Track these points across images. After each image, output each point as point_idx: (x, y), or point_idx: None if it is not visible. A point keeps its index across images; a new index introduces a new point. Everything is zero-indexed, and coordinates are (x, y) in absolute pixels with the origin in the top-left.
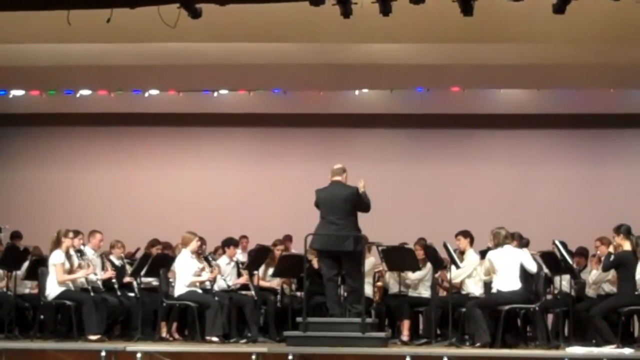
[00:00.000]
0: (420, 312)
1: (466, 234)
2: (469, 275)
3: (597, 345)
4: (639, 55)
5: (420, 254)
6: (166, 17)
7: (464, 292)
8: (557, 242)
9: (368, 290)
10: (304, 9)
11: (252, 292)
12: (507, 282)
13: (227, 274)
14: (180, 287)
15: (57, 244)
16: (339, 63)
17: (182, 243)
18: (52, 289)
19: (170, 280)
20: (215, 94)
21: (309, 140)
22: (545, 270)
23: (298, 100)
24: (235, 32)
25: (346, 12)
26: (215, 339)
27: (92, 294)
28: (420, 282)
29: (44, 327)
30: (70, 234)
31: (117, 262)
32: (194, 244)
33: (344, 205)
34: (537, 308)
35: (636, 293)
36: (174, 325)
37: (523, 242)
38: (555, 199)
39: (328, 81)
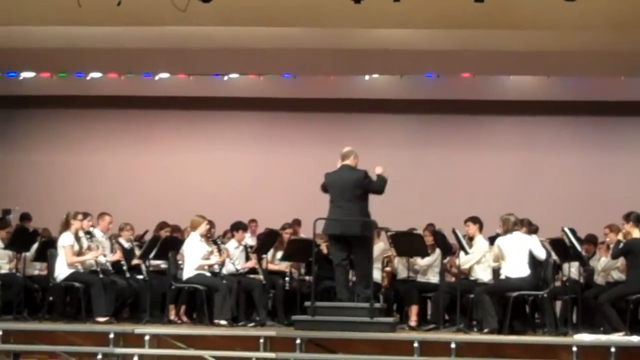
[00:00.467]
0: (428, 297)
1: (475, 220)
2: (478, 262)
3: (605, 332)
4: None
5: (429, 239)
6: (176, 1)
7: (472, 278)
8: (566, 229)
9: (377, 275)
10: None
11: (261, 276)
12: (516, 268)
13: (235, 258)
14: (188, 270)
15: (66, 226)
16: (349, 48)
17: (191, 226)
18: (61, 271)
19: (179, 263)
20: (225, 77)
21: (318, 125)
22: (554, 257)
23: (308, 85)
24: (245, 16)
25: None
26: (223, 322)
27: (100, 276)
28: (429, 268)
29: (53, 308)
30: (80, 216)
31: (126, 245)
32: (203, 227)
33: (352, 190)
34: (545, 295)
35: None
36: (183, 308)
37: (532, 229)
38: (564, 186)
39: (338, 66)
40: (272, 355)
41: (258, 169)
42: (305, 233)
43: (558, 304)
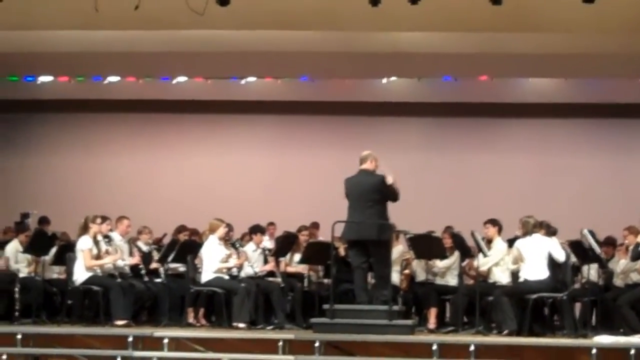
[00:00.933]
0: (447, 300)
1: (495, 222)
2: (497, 264)
3: (625, 334)
4: None
5: (448, 242)
6: (194, 5)
7: (491, 281)
8: (585, 231)
9: (395, 278)
10: None
11: (279, 279)
12: (535, 271)
13: (254, 261)
14: (207, 274)
15: (84, 229)
16: (367, 51)
17: (209, 229)
18: (80, 275)
19: (198, 266)
20: (243, 81)
21: (336, 128)
22: (573, 259)
23: (325, 88)
24: (263, 20)
25: (374, 0)
26: (242, 325)
27: (119, 279)
28: (447, 270)
29: (72, 312)
30: (98, 220)
31: (145, 248)
32: (222, 231)
33: (371, 194)
34: (564, 297)
35: None
36: (201, 311)
37: (551, 231)
38: (582, 189)
39: (355, 69)
40: (291, 358)
41: (275, 172)
42: (323, 236)
43: (577, 306)
